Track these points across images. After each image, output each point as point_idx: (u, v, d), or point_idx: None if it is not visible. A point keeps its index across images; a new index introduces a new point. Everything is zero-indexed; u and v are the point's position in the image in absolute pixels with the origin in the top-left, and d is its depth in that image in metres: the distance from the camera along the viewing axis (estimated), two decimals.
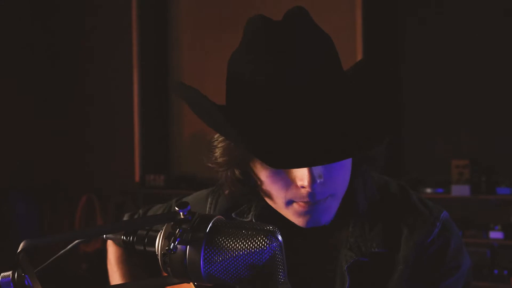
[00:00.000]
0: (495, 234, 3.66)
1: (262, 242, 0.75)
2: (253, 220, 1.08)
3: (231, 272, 0.76)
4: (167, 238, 0.77)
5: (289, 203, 0.97)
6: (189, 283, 0.82)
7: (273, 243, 0.76)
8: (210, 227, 0.77)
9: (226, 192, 1.08)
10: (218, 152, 1.01)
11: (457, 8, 3.91)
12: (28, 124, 4.95)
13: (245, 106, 0.92)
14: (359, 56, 3.81)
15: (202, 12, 4.67)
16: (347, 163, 0.96)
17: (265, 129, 0.90)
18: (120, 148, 4.80)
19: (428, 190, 3.81)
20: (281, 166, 0.90)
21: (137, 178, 4.63)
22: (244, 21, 0.95)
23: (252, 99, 0.91)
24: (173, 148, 4.85)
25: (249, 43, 0.93)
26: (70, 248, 0.81)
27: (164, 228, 0.79)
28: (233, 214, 1.11)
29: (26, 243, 0.75)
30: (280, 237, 0.77)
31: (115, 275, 1.28)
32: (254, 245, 0.75)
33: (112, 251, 1.31)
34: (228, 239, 0.76)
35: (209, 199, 1.18)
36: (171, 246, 0.75)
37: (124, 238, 0.82)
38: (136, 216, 1.30)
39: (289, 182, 0.95)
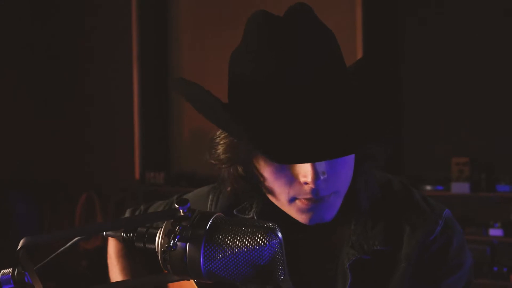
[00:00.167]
0: (495, 232, 3.67)
1: (262, 239, 0.75)
2: (255, 217, 1.07)
3: (231, 269, 0.76)
4: (167, 235, 0.77)
5: (292, 200, 0.96)
6: (189, 280, 0.82)
7: (273, 240, 0.75)
8: (210, 224, 0.77)
9: (228, 189, 1.08)
10: (221, 149, 1.01)
11: (457, 8, 3.92)
12: (28, 122, 4.95)
13: (247, 103, 0.92)
14: (359, 56, 3.80)
15: (202, 12, 4.67)
16: (350, 160, 0.96)
17: (268, 125, 0.89)
18: (120, 146, 4.80)
19: (428, 187, 3.81)
20: (285, 161, 0.90)
21: (137, 175, 4.63)
22: (245, 21, 0.95)
23: (254, 96, 0.91)
24: (173, 146, 4.85)
25: (251, 40, 0.93)
26: (70, 245, 0.81)
27: (164, 225, 0.79)
28: (234, 211, 1.11)
29: (26, 241, 0.75)
30: (280, 234, 0.77)
31: (114, 269, 1.28)
32: (254, 242, 0.75)
33: (112, 245, 1.31)
34: (228, 236, 0.76)
35: (210, 196, 1.18)
36: (171, 243, 0.75)
37: (124, 235, 0.82)
38: (137, 212, 1.30)
39: (292, 179, 0.94)
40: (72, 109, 5.02)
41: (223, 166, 1.03)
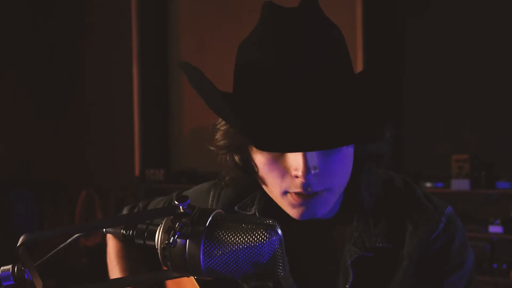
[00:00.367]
0: (495, 228, 3.67)
1: (261, 236, 0.75)
2: (256, 214, 1.07)
3: (230, 265, 0.76)
4: (166, 232, 0.77)
5: (284, 193, 0.96)
6: (189, 277, 0.82)
7: (273, 237, 0.75)
8: (209, 221, 0.77)
9: (227, 178, 1.08)
10: (219, 135, 1.02)
11: (457, 7, 3.91)
12: (28, 120, 4.95)
13: (245, 91, 0.93)
14: (359, 55, 3.81)
15: (202, 12, 4.66)
16: (346, 158, 0.95)
17: (260, 114, 0.89)
18: (120, 143, 4.80)
19: (428, 184, 3.81)
20: (268, 148, 0.90)
21: (137, 172, 4.63)
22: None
23: (252, 85, 0.91)
24: (173, 143, 4.85)
25: (256, 31, 0.93)
26: (69, 242, 0.81)
27: (163, 222, 0.79)
28: (236, 208, 1.11)
29: (26, 237, 0.75)
30: (280, 231, 0.77)
31: (114, 270, 1.28)
32: (254, 239, 0.75)
33: (111, 245, 1.31)
34: (228, 233, 0.76)
35: (212, 193, 1.17)
36: (171, 240, 0.75)
37: (124, 232, 0.82)
38: (136, 210, 1.29)
39: (284, 172, 0.94)
40: (72, 107, 5.02)
41: (220, 152, 1.03)
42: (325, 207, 0.97)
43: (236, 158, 1.02)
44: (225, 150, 1.02)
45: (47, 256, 0.81)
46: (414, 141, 4.04)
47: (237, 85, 0.95)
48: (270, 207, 1.04)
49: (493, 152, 3.83)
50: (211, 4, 4.60)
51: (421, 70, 4.01)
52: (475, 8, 3.86)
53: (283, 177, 0.94)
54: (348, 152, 0.95)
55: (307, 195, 0.94)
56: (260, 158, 0.96)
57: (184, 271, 0.78)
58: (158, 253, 0.78)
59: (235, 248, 0.75)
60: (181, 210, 0.78)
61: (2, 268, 0.77)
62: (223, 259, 0.75)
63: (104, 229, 0.84)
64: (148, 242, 0.80)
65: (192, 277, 1.11)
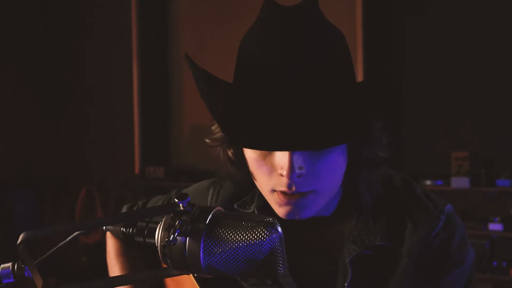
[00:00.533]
0: (495, 226, 3.67)
1: (261, 233, 0.75)
2: (255, 212, 1.07)
3: (230, 263, 0.76)
4: (166, 230, 0.77)
5: (272, 191, 0.96)
6: (188, 274, 0.82)
7: (273, 234, 0.75)
8: (209, 218, 0.77)
9: (223, 173, 1.07)
10: (214, 127, 1.02)
11: (457, 6, 3.91)
12: (28, 120, 4.95)
13: (240, 86, 0.93)
14: (359, 55, 3.81)
15: (202, 12, 4.66)
16: (336, 161, 0.94)
17: (249, 109, 0.89)
18: (120, 141, 4.80)
19: (428, 182, 3.81)
20: (243, 144, 0.91)
21: (137, 170, 4.63)
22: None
23: (246, 81, 0.91)
24: (173, 140, 4.85)
25: (254, 28, 0.93)
26: (69, 240, 0.81)
27: (163, 219, 0.78)
28: (235, 205, 1.11)
29: (26, 235, 0.75)
30: (280, 229, 0.77)
31: (114, 268, 1.28)
32: (254, 236, 0.75)
33: (111, 243, 1.31)
34: (228, 231, 0.76)
35: (211, 190, 1.17)
36: (171, 238, 0.75)
37: (124, 229, 0.82)
38: (135, 208, 1.29)
39: (272, 170, 0.94)
40: (72, 106, 5.02)
41: (215, 144, 1.03)
42: (310, 210, 0.96)
43: (230, 152, 1.02)
44: (219, 142, 1.02)
45: (47, 254, 0.81)
46: (414, 139, 4.04)
47: (234, 78, 0.95)
48: (269, 205, 1.04)
49: (493, 150, 3.83)
50: (211, 4, 4.60)
51: (421, 68, 4.01)
52: (475, 8, 3.86)
53: (271, 174, 0.94)
54: (338, 156, 0.94)
55: (292, 195, 0.94)
56: (250, 154, 0.96)
57: (184, 269, 0.78)
58: (158, 251, 0.78)
59: (235, 246, 0.75)
60: (181, 208, 0.78)
61: (2, 265, 0.77)
62: (223, 256, 0.75)
63: (104, 227, 0.84)
64: (148, 240, 0.80)
65: (191, 275, 1.11)
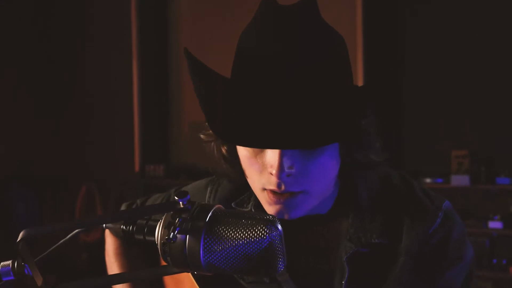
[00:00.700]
0: (495, 224, 3.67)
1: (261, 231, 0.75)
2: (252, 210, 1.07)
3: (230, 261, 0.75)
4: (166, 228, 0.77)
5: (262, 189, 0.96)
6: (188, 272, 0.82)
7: (273, 232, 0.75)
8: (209, 216, 0.76)
9: (219, 170, 1.08)
10: (207, 124, 1.02)
11: (457, 5, 3.91)
12: (28, 120, 4.95)
13: (235, 82, 0.93)
14: (359, 53, 3.80)
15: (202, 11, 4.66)
16: (327, 163, 0.94)
17: (237, 106, 0.90)
18: (120, 139, 4.80)
19: (428, 180, 3.81)
20: (229, 140, 0.91)
21: (137, 168, 4.64)
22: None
23: (240, 78, 0.92)
24: (173, 139, 4.85)
25: (256, 25, 0.93)
26: (69, 238, 0.81)
27: (163, 217, 0.78)
28: (232, 204, 1.11)
29: (26, 233, 0.75)
30: (280, 227, 0.77)
31: (113, 267, 1.28)
32: (254, 234, 0.75)
33: (109, 242, 1.31)
34: (228, 229, 0.76)
35: (209, 189, 1.17)
36: (171, 236, 0.74)
37: (124, 227, 0.82)
38: (134, 206, 1.29)
39: (262, 168, 0.94)
40: (72, 106, 5.02)
41: (209, 140, 1.03)
42: (300, 210, 0.96)
43: (223, 149, 1.02)
44: (214, 138, 1.02)
45: (47, 252, 0.81)
46: (414, 137, 4.04)
47: (232, 75, 0.95)
48: None
49: (493, 148, 3.83)
50: (211, 4, 4.60)
51: (421, 67, 4.01)
52: (475, 8, 3.86)
53: (261, 173, 0.94)
54: (329, 158, 0.94)
55: (281, 194, 0.94)
56: (242, 152, 0.96)
57: (184, 267, 0.78)
58: (158, 248, 0.78)
59: (235, 243, 0.75)
60: (181, 206, 0.78)
61: (2, 263, 0.77)
62: (223, 254, 0.75)
63: (104, 225, 0.84)
64: (148, 238, 0.80)
65: (189, 274, 1.11)
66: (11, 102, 4.82)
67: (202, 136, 1.05)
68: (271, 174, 0.92)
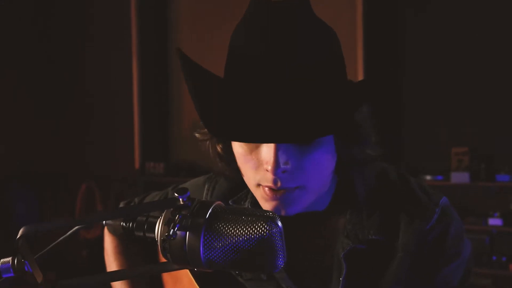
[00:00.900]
0: (494, 221, 3.67)
1: (262, 228, 0.75)
2: (249, 207, 1.07)
3: (230, 257, 0.75)
4: (166, 224, 0.76)
5: (258, 185, 0.96)
6: (188, 269, 0.82)
7: (273, 229, 0.75)
8: (210, 213, 0.76)
9: (216, 169, 1.07)
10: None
11: (457, 4, 3.91)
12: (28, 120, 4.95)
13: (227, 79, 0.93)
14: (360, 54, 3.80)
15: (202, 11, 4.66)
16: (323, 158, 0.93)
17: (230, 103, 0.90)
18: (120, 136, 4.80)
19: (428, 177, 3.81)
20: (223, 137, 0.91)
21: (137, 166, 4.64)
22: None
23: (233, 76, 0.92)
24: (173, 136, 4.86)
25: (246, 22, 0.93)
26: (69, 235, 0.81)
27: (163, 214, 0.78)
28: (230, 201, 1.11)
29: (26, 229, 0.75)
30: (280, 223, 0.77)
31: (112, 265, 1.28)
32: (254, 231, 0.75)
33: (108, 241, 1.31)
34: (228, 225, 0.75)
35: (206, 186, 1.17)
36: (171, 232, 0.74)
37: (124, 224, 0.82)
38: (132, 204, 1.29)
39: (258, 164, 0.94)
40: (72, 106, 5.02)
41: (205, 139, 1.03)
42: (296, 206, 0.96)
43: (219, 148, 1.02)
44: (209, 136, 1.02)
45: (47, 249, 0.81)
46: (414, 134, 4.04)
47: (225, 72, 0.95)
48: None
49: (493, 145, 3.83)
50: (211, 4, 4.59)
51: (422, 65, 4.01)
52: (475, 6, 3.86)
53: (257, 169, 0.94)
54: (324, 153, 0.93)
55: (277, 191, 0.93)
56: (237, 149, 0.96)
57: (184, 263, 0.78)
58: (157, 245, 0.78)
59: (235, 240, 0.74)
60: (181, 203, 0.77)
61: (2, 260, 0.77)
62: (223, 251, 0.75)
63: (104, 222, 0.84)
64: (148, 234, 0.80)
65: (188, 271, 1.11)
66: (11, 102, 4.82)
67: (197, 134, 1.05)
68: (266, 170, 0.92)
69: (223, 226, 0.76)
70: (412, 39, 4.05)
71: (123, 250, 1.28)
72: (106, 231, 1.31)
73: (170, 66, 4.81)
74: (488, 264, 3.67)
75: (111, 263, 1.28)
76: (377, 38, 3.99)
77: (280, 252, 0.76)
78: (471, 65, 3.86)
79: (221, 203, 0.80)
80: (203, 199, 1.14)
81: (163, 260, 0.79)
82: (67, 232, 0.81)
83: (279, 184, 0.92)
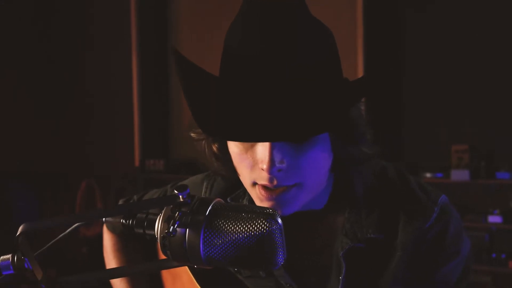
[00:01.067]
0: (494, 218, 3.68)
1: (261, 225, 0.74)
2: (249, 204, 1.06)
3: (230, 255, 0.75)
4: (166, 221, 0.76)
5: (253, 184, 0.95)
6: (188, 266, 0.81)
7: (273, 226, 0.75)
8: (209, 210, 0.76)
9: (212, 168, 1.07)
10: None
11: (456, 3, 3.92)
12: (28, 120, 4.95)
13: (222, 77, 0.93)
14: (360, 54, 3.80)
15: (202, 11, 4.66)
16: (317, 155, 0.93)
17: (222, 103, 0.89)
18: (120, 133, 4.81)
19: (428, 175, 3.81)
20: (218, 136, 0.91)
21: (137, 163, 4.64)
22: None
23: (228, 75, 0.91)
24: (173, 133, 4.86)
25: (241, 21, 0.93)
26: (69, 232, 0.81)
27: (163, 211, 0.78)
28: (228, 199, 1.10)
29: (25, 226, 0.75)
30: (280, 220, 0.76)
31: (111, 263, 1.28)
32: (254, 228, 0.74)
33: (107, 239, 1.31)
34: (228, 222, 0.75)
35: (205, 183, 1.17)
36: (171, 229, 0.74)
37: (124, 221, 0.82)
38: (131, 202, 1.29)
39: (253, 163, 0.93)
40: (72, 106, 5.03)
41: (201, 138, 1.03)
42: (293, 205, 0.95)
43: (214, 147, 1.02)
44: (204, 136, 1.02)
45: (47, 246, 0.81)
46: (414, 132, 4.04)
47: (220, 71, 0.95)
48: None
49: (493, 143, 3.83)
50: (211, 4, 4.59)
51: (422, 62, 4.01)
52: (475, 5, 3.86)
53: (252, 169, 0.93)
54: (320, 151, 0.93)
55: (273, 190, 0.93)
56: (233, 149, 0.96)
57: (183, 260, 0.77)
58: (157, 242, 0.78)
59: (235, 237, 0.74)
60: (181, 200, 0.77)
61: (2, 257, 0.77)
62: (223, 248, 0.75)
63: (104, 219, 0.84)
64: (147, 231, 0.80)
65: (187, 268, 1.10)
66: (11, 102, 4.83)
67: (192, 134, 1.04)
68: (262, 169, 0.91)
69: (223, 223, 0.75)
70: (412, 38, 4.05)
71: (122, 248, 1.28)
72: (105, 229, 1.31)
73: (170, 66, 4.81)
74: (488, 262, 3.67)
75: (110, 261, 1.28)
76: (377, 37, 3.99)
77: (280, 249, 0.76)
78: (470, 63, 3.87)
79: (221, 200, 0.80)
80: (202, 196, 1.15)
81: (163, 257, 0.79)
82: (67, 229, 0.81)
83: (275, 182, 0.91)
